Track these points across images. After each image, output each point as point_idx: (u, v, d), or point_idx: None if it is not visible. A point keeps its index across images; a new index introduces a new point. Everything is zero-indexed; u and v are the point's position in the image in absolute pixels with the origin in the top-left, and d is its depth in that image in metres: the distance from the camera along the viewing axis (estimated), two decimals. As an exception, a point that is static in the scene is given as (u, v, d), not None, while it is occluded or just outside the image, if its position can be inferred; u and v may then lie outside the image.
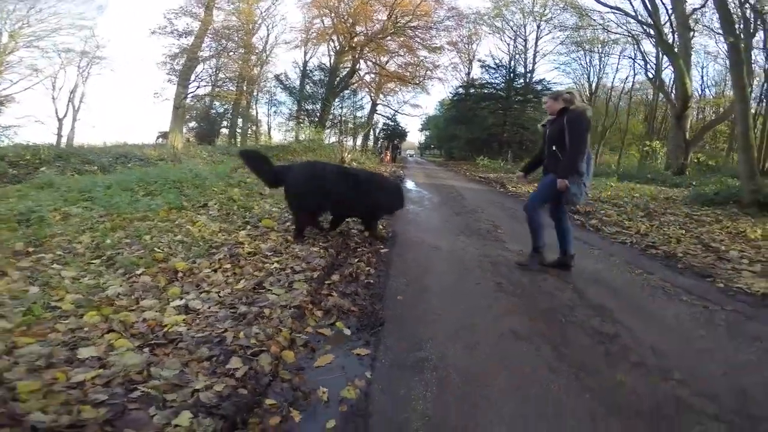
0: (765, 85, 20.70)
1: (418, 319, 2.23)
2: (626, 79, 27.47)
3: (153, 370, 1.44)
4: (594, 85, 30.08)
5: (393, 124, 30.77)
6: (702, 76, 26.47)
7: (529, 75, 25.78)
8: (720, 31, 18.88)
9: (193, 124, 31.93)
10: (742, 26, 17.18)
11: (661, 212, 6.67)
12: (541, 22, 27.16)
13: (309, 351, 1.78)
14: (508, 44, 28.65)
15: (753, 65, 19.26)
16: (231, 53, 22.55)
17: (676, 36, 15.59)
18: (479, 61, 27.19)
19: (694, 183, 11.50)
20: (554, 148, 2.99)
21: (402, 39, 24.26)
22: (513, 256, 3.55)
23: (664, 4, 14.80)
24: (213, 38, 20.44)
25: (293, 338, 1.81)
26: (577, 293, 2.69)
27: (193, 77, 19.76)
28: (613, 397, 1.53)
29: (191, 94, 20.01)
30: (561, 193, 2.96)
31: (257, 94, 29.57)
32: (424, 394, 1.54)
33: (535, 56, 27.98)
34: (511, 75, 24.52)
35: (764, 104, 21.39)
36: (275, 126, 32.14)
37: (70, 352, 1.53)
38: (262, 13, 25.54)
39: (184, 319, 1.83)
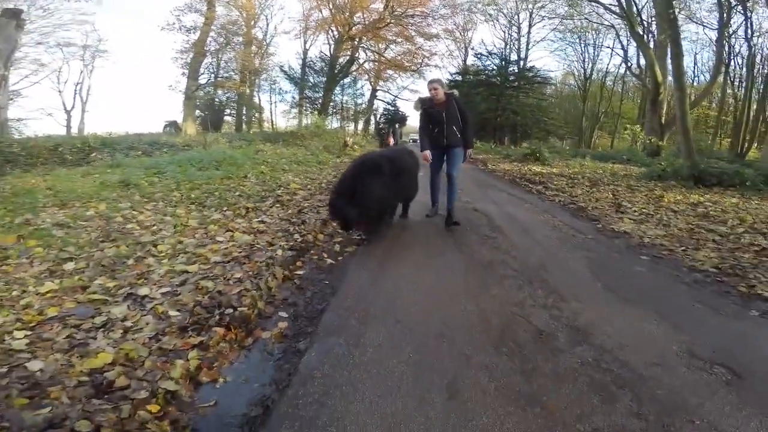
0: (746, 71, 21.86)
1: (396, 233, 3.92)
2: (620, 64, 28.66)
3: (257, 241, 3.12)
4: (588, 70, 31.42)
5: (393, 109, 32.12)
6: (695, 63, 27.72)
7: (521, 62, 27.12)
8: (701, 22, 20.19)
9: (196, 112, 33.48)
10: (718, 16, 18.45)
11: (607, 183, 8.23)
12: (534, 10, 28.48)
13: (330, 237, 3.47)
14: (503, 32, 29.98)
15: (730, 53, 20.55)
16: (235, 46, 24.07)
17: (654, 26, 16.89)
18: (472, 49, 28.55)
19: (662, 163, 12.90)
20: (454, 127, 4.05)
21: (398, 28, 25.60)
22: (463, 204, 5.21)
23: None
24: (218, 33, 21.86)
25: (321, 231, 3.50)
26: (488, 221, 4.38)
27: (201, 69, 21.29)
28: (472, 258, 3.15)
29: (201, 86, 21.54)
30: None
31: (259, 83, 31.12)
32: (383, 249, 3.22)
33: (528, 43, 29.30)
34: (504, 62, 25.79)
35: (743, 90, 22.61)
36: (278, 113, 33.75)
37: (211, 240, 3.19)
38: (261, 3, 26.96)
39: (264, 225, 3.51)
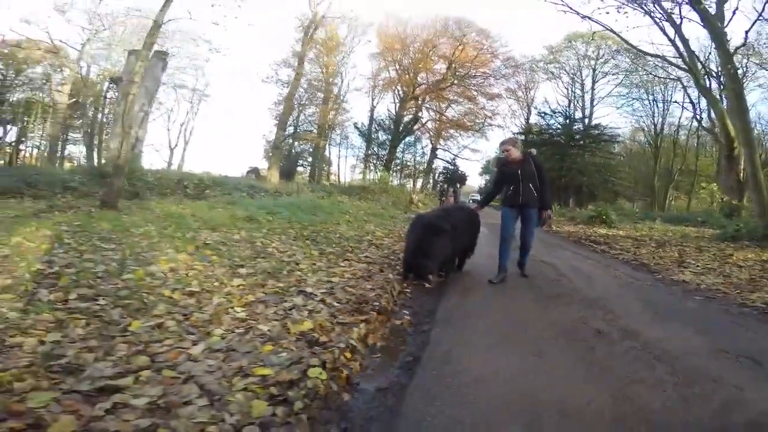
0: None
1: (467, 276, 4.79)
2: (692, 118, 27.80)
3: (370, 268, 4.16)
4: (659, 125, 30.77)
5: (453, 167, 33.47)
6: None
7: (586, 120, 27.63)
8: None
9: None
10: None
11: (674, 244, 8.46)
12: (597, 66, 29.23)
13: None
14: (566, 89, 30.90)
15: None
16: (316, 101, 27.47)
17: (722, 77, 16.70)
18: (535, 108, 29.68)
19: (739, 224, 12.20)
20: (530, 185, 4.15)
21: (461, 89, 27.65)
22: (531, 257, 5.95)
23: (692, 50, 15.84)
24: (304, 89, 25.16)
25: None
26: (554, 270, 5.08)
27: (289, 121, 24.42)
28: (541, 292, 3.91)
29: (287, 137, 24.54)
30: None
31: (331, 137, 34.41)
32: (461, 286, 4.08)
33: (592, 100, 29.81)
34: (568, 120, 26.48)
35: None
36: (346, 166, 36.73)
37: (335, 264, 4.29)
38: (338, 62, 30.51)
39: (370, 259, 4.59)
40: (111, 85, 18.24)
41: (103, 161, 12.12)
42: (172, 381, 1.74)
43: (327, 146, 34.56)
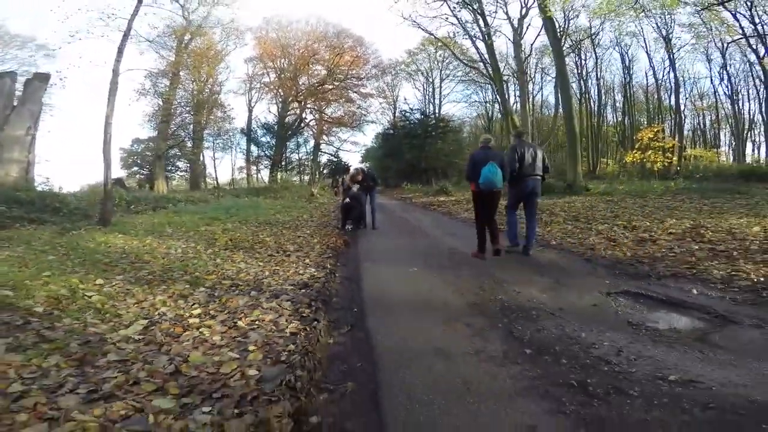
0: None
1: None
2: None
3: (320, 230, 8.88)
4: (491, 113, 40.76)
5: (336, 159, 38.43)
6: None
7: (437, 114, 35.51)
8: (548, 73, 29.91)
9: (134, 168, 37.77)
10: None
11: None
12: (443, 66, 37.42)
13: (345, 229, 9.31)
14: (422, 87, 38.69)
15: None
16: (189, 108, 29.17)
17: (515, 77, 25.48)
18: (398, 105, 36.63)
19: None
20: (370, 182, 9.51)
21: (339, 90, 32.72)
22: (398, 215, 11.36)
23: (497, 63, 24.19)
24: (185, 97, 26.95)
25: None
26: (406, 219, 10.60)
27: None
28: (398, 226, 9.27)
29: (172, 146, 26.13)
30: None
31: (206, 141, 35.91)
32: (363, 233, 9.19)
33: (441, 96, 38.15)
34: (423, 115, 33.84)
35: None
36: (231, 169, 38.69)
37: (300, 232, 8.85)
38: (213, 66, 32.02)
39: (315, 227, 9.26)
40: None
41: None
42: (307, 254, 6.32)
43: (202, 152, 36.09)
